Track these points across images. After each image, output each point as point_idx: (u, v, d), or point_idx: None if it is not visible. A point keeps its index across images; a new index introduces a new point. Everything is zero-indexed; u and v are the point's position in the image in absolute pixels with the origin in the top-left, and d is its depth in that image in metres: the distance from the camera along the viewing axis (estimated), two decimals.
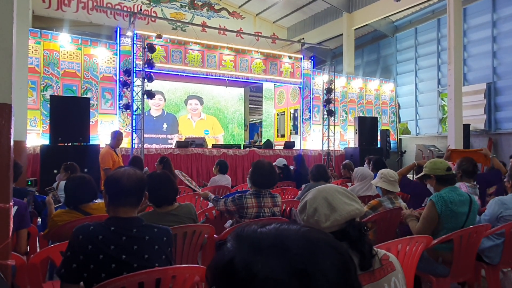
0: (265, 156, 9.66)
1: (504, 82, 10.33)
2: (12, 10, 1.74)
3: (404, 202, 3.39)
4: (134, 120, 8.70)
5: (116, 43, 9.13)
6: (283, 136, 12.97)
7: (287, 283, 0.52)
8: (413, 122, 13.25)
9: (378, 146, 11.25)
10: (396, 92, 13.81)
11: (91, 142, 7.13)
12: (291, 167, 7.28)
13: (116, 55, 9.12)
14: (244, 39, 13.28)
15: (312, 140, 11.71)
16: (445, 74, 11.16)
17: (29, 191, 3.73)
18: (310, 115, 11.83)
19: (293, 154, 10.06)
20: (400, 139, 13.68)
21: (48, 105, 7.14)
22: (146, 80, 8.57)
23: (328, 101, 11.01)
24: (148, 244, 1.77)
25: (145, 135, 8.94)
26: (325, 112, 11.15)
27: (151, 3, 12.67)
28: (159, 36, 9.25)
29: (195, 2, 13.44)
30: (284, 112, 13.00)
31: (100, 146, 7.01)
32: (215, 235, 2.89)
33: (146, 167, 7.34)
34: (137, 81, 8.85)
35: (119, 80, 9.03)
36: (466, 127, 9.94)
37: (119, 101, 9.08)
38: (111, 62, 9.14)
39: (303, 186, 4.73)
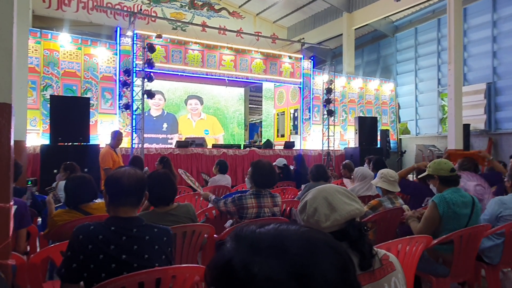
0: (265, 156, 9.66)
1: (504, 82, 10.32)
2: (13, 10, 1.74)
3: (405, 204, 3.38)
4: (134, 120, 8.70)
5: (116, 43, 9.13)
6: (283, 136, 12.97)
7: (286, 284, 0.52)
8: (413, 122, 13.24)
9: (378, 146, 11.25)
10: (396, 92, 13.81)
11: (91, 142, 7.13)
12: (291, 167, 7.28)
13: (116, 55, 9.12)
14: (244, 39, 13.28)
15: (312, 140, 11.70)
16: (445, 74, 11.17)
17: (28, 187, 3.74)
18: (310, 115, 11.83)
19: (293, 154, 10.06)
20: (400, 139, 13.68)
21: (48, 105, 7.14)
22: (146, 80, 8.57)
23: (328, 101, 11.01)
24: (148, 244, 1.78)
25: (145, 135, 8.94)
26: (325, 112, 11.15)
27: (151, 3, 12.67)
28: (159, 36, 9.25)
29: (195, 2, 13.44)
30: (284, 112, 12.99)
31: (100, 146, 7.01)
32: (215, 235, 2.89)
33: (146, 167, 7.35)
34: (137, 81, 8.84)
35: (119, 80, 9.03)
36: (466, 127, 9.93)
37: (119, 101, 9.07)
38: (111, 62, 9.14)
39: (303, 186, 4.73)
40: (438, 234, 2.69)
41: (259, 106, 15.32)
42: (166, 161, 5.67)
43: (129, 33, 9.04)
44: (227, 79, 11.01)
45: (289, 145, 10.59)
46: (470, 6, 10.91)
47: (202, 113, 13.48)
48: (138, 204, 1.86)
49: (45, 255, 2.25)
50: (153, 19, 12.22)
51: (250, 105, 15.25)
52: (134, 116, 8.71)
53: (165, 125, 12.59)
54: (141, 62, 8.74)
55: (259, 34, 13.66)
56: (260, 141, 13.24)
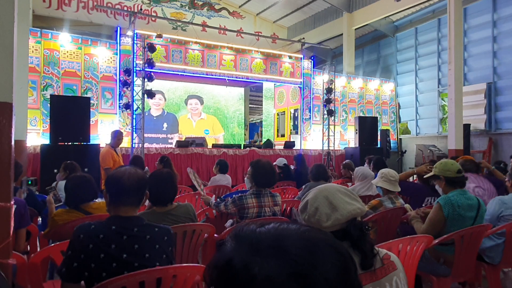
0: (265, 155, 9.66)
1: (504, 82, 10.32)
2: (14, 10, 1.74)
3: (406, 204, 3.38)
4: (134, 120, 8.70)
5: (116, 43, 9.12)
6: (283, 136, 12.97)
7: (286, 284, 0.52)
8: (413, 122, 13.24)
9: (378, 146, 11.25)
10: (396, 92, 13.81)
11: (91, 142, 7.12)
12: (292, 167, 7.28)
13: (116, 54, 9.11)
14: (244, 39, 13.27)
15: (312, 140, 11.70)
16: (446, 74, 11.16)
17: (22, 180, 3.76)
18: (310, 115, 11.83)
19: (293, 154, 10.05)
20: (400, 139, 13.67)
21: (48, 105, 7.13)
22: (146, 80, 8.56)
23: (328, 101, 11.01)
24: (149, 244, 1.77)
25: (145, 135, 8.94)
26: (325, 112, 11.14)
27: (151, 3, 12.67)
28: (159, 36, 9.24)
29: (195, 1, 13.44)
30: (284, 112, 12.99)
31: (100, 146, 7.00)
32: (215, 235, 2.90)
33: (147, 167, 7.34)
34: (137, 81, 8.84)
35: (119, 80, 9.02)
36: (466, 127, 9.93)
37: (119, 100, 9.07)
38: (111, 62, 9.13)
39: (304, 185, 4.73)
40: (441, 236, 2.67)
41: (259, 106, 15.31)
42: (167, 160, 5.67)
43: (129, 33, 9.04)
44: (227, 79, 11.01)
45: (289, 145, 10.59)
46: (470, 6, 10.91)
47: (202, 113, 13.47)
48: (138, 203, 1.86)
49: (46, 254, 2.25)
50: (153, 19, 12.22)
51: (250, 105, 15.25)
52: (134, 116, 8.71)
53: (165, 125, 12.59)
54: (141, 62, 8.74)
55: (259, 34, 13.66)
56: (260, 141, 13.24)
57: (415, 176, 5.66)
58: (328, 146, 11.10)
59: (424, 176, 3.49)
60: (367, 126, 10.73)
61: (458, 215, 2.65)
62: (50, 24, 10.70)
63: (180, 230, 2.53)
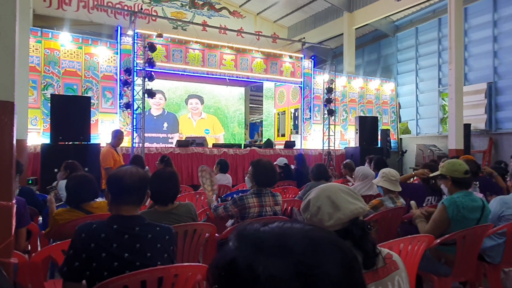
0: (265, 155, 9.66)
1: (505, 82, 10.32)
2: (15, 9, 1.74)
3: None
4: (134, 119, 8.70)
5: (117, 42, 9.12)
6: (283, 135, 12.96)
7: (290, 283, 0.52)
8: (414, 122, 13.24)
9: (379, 145, 11.24)
10: (396, 91, 13.81)
11: (92, 141, 7.12)
12: (292, 167, 7.28)
13: (117, 54, 9.11)
14: (245, 39, 13.27)
15: (313, 139, 11.70)
16: (446, 74, 11.16)
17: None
18: (310, 115, 11.83)
19: (293, 153, 10.06)
20: (401, 138, 13.67)
21: (49, 104, 7.13)
22: (146, 79, 8.56)
23: (328, 101, 11.01)
24: (150, 243, 1.77)
25: (146, 134, 8.93)
26: (326, 112, 11.14)
27: (152, 2, 12.67)
28: (159, 35, 9.24)
29: (196, 1, 13.44)
30: (284, 111, 12.99)
31: (101, 145, 7.00)
32: (216, 234, 2.90)
33: (147, 166, 7.34)
34: (138, 80, 8.84)
35: (120, 79, 9.02)
36: (467, 126, 9.93)
37: (119, 100, 9.07)
38: (111, 61, 9.13)
39: (305, 185, 4.73)
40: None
41: (259, 106, 15.31)
42: (167, 160, 5.67)
43: (130, 32, 9.03)
44: (228, 79, 11.01)
45: (289, 145, 10.59)
46: (471, 6, 10.90)
47: (203, 112, 13.47)
48: (140, 202, 1.86)
49: (47, 254, 2.25)
50: (153, 18, 12.21)
51: (250, 105, 15.24)
52: (134, 116, 8.71)
53: (165, 125, 12.59)
54: (141, 62, 8.74)
55: (260, 33, 13.65)
56: (261, 141, 13.23)
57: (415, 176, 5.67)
58: (329, 146, 11.10)
59: (431, 175, 3.48)
60: (367, 126, 10.73)
61: (462, 217, 2.63)
62: (51, 23, 10.70)
63: (181, 229, 2.53)
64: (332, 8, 13.34)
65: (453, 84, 9.27)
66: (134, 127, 8.65)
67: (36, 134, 8.17)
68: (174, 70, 9.89)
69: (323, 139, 11.27)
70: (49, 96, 7.60)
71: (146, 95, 8.57)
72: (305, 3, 13.73)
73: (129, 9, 11.74)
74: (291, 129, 12.63)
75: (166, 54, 9.70)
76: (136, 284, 1.66)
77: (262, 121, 14.72)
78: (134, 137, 8.59)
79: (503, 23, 10.31)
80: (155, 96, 8.86)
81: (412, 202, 3.11)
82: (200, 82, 12.86)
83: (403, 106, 13.76)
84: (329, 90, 11.05)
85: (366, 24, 13.04)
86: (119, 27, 9.24)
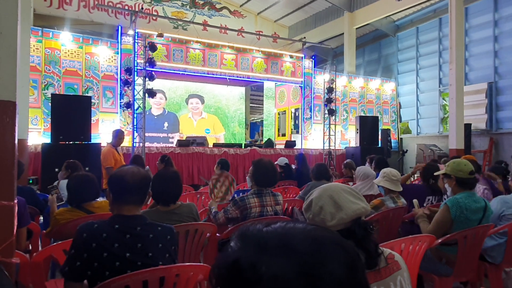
0: (266, 155, 9.66)
1: (505, 81, 10.31)
2: (17, 9, 1.74)
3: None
4: (135, 119, 8.70)
5: (118, 42, 9.12)
6: (284, 135, 12.96)
7: (294, 283, 0.52)
8: (414, 122, 13.24)
9: (379, 145, 11.24)
10: (397, 91, 13.80)
11: (92, 141, 7.13)
12: (293, 166, 7.28)
13: (118, 53, 9.11)
14: (245, 38, 13.26)
15: (313, 139, 11.70)
16: (447, 74, 11.14)
17: None
18: (311, 114, 11.82)
19: (294, 153, 10.05)
20: (401, 138, 13.67)
21: (49, 104, 7.13)
22: (147, 79, 8.57)
23: (329, 100, 11.01)
24: (152, 242, 1.77)
25: (146, 134, 8.93)
26: (326, 111, 11.14)
27: (152, 2, 12.67)
28: (160, 35, 9.23)
29: (196, 1, 13.43)
30: (285, 111, 12.99)
31: (102, 145, 7.00)
32: (217, 234, 2.90)
33: (147, 166, 7.34)
34: (138, 80, 8.84)
35: (120, 79, 9.02)
36: (467, 126, 9.93)
37: (120, 99, 9.07)
38: (112, 61, 9.13)
39: (305, 185, 4.73)
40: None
41: (260, 105, 15.31)
42: (167, 160, 5.66)
43: (130, 32, 9.03)
44: (228, 78, 11.01)
45: (290, 144, 10.59)
46: (472, 5, 10.90)
47: (203, 112, 13.47)
48: (141, 202, 1.86)
49: (48, 253, 2.25)
50: (154, 18, 12.20)
51: (251, 104, 15.24)
52: (135, 115, 8.71)
53: (166, 124, 12.59)
54: (142, 61, 8.73)
55: (260, 33, 13.64)
56: (261, 140, 13.23)
57: (415, 176, 5.67)
58: (329, 146, 11.10)
59: (435, 173, 3.48)
60: (368, 125, 10.73)
61: (464, 218, 2.63)
62: (51, 23, 10.70)
63: (183, 229, 2.53)
64: (333, 7, 13.33)
65: (453, 84, 9.27)
66: (135, 126, 8.65)
67: (36, 134, 8.17)
68: (174, 70, 9.89)
69: (323, 139, 11.27)
70: (49, 95, 7.61)
71: (146, 94, 8.57)
72: (305, 2, 13.73)
73: (130, 8, 11.73)
74: (292, 129, 12.63)
75: (166, 53, 9.70)
76: (138, 283, 1.66)
77: (262, 120, 14.73)
78: (134, 137, 8.59)
79: (504, 22, 10.30)
80: (155, 95, 8.86)
81: (415, 201, 3.09)
82: (201, 82, 12.86)
83: (403, 105, 13.76)
84: (330, 90, 11.04)
85: (367, 24, 13.04)
86: (119, 27, 9.24)
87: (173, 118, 12.80)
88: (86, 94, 8.56)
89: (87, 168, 5.36)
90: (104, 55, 9.01)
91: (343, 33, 13.10)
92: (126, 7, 11.89)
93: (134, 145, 8.53)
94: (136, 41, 8.90)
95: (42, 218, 3.78)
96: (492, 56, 10.52)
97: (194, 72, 10.22)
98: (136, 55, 8.92)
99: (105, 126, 8.89)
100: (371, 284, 1.21)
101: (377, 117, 11.77)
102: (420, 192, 3.77)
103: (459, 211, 2.62)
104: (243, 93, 14.43)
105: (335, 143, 11.20)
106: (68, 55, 8.66)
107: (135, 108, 8.72)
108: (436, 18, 12.23)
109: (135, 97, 8.75)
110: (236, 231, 0.62)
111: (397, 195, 3.41)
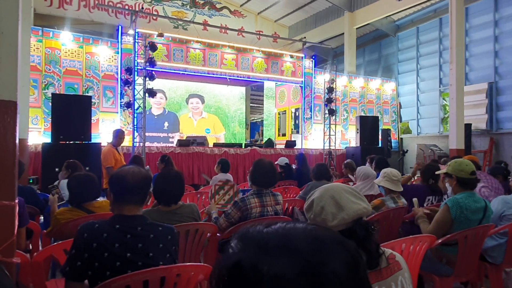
0: (266, 155, 9.66)
1: (506, 81, 10.31)
2: (18, 8, 1.74)
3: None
4: (135, 119, 8.69)
5: (118, 42, 9.12)
6: (284, 135, 12.96)
7: (296, 282, 0.51)
8: (415, 122, 13.24)
9: (379, 145, 11.24)
10: (397, 91, 13.80)
11: (93, 141, 7.13)
12: (293, 166, 7.28)
13: (118, 53, 9.12)
14: (246, 38, 13.25)
15: (313, 139, 11.70)
16: (447, 74, 11.14)
17: None
18: (311, 114, 11.82)
19: (294, 153, 10.05)
20: (401, 138, 13.67)
21: (50, 103, 7.14)
22: (147, 79, 8.56)
23: (329, 100, 11.00)
24: (152, 242, 1.77)
25: (147, 134, 8.93)
26: (327, 111, 11.14)
27: (153, 2, 12.66)
28: (160, 35, 9.23)
29: (197, 0, 13.43)
30: (285, 111, 12.99)
31: (102, 145, 7.00)
32: (217, 234, 2.90)
33: (148, 166, 7.34)
34: (139, 80, 8.84)
35: (121, 79, 9.02)
36: (468, 126, 9.93)
37: (120, 99, 9.07)
38: (112, 61, 9.13)
39: (306, 185, 4.73)
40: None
41: (260, 105, 15.31)
42: (168, 159, 5.66)
43: (131, 31, 9.03)
44: (229, 78, 11.01)
45: (290, 144, 10.59)
46: (472, 5, 10.90)
47: (204, 112, 13.47)
48: (142, 202, 1.86)
49: (48, 253, 2.25)
50: (154, 17, 12.20)
51: (251, 104, 15.24)
52: (135, 115, 8.71)
53: (166, 124, 12.59)
54: (142, 61, 8.73)
55: (261, 33, 13.63)
56: (261, 140, 13.23)
57: (415, 176, 5.67)
58: (329, 146, 11.10)
59: (436, 172, 3.48)
60: (368, 125, 10.73)
61: (465, 218, 2.62)
62: (52, 22, 10.70)
63: (183, 229, 2.53)
64: (333, 7, 13.33)
65: (454, 84, 9.27)
66: (135, 126, 8.65)
67: (37, 134, 8.17)
68: (175, 70, 9.89)
69: (323, 139, 11.27)
70: (50, 95, 7.61)
71: (147, 94, 8.57)
72: (306, 2, 13.72)
73: (130, 8, 11.72)
74: (292, 129, 12.63)
75: (167, 53, 9.70)
76: (138, 283, 1.66)
77: (262, 120, 14.73)
78: (135, 137, 8.59)
79: (504, 22, 10.30)
80: (155, 95, 8.85)
81: (415, 200, 3.09)
82: (201, 82, 12.86)
83: (404, 105, 13.76)
84: (330, 90, 11.04)
85: (367, 24, 13.03)
86: (120, 27, 9.24)
87: (173, 118, 12.80)
88: (87, 94, 8.56)
89: (87, 168, 5.36)
90: (104, 55, 9.01)
91: (343, 33, 13.09)
92: (126, 7, 11.89)
93: (135, 144, 8.54)
94: (136, 40, 8.90)
95: (42, 217, 3.78)
96: (493, 56, 10.52)
97: (194, 72, 10.22)
98: (136, 55, 8.92)
99: (105, 126, 8.89)
100: (373, 284, 1.20)
101: (377, 117, 11.77)
102: (420, 192, 3.77)
103: (459, 211, 2.62)
104: (243, 93, 14.43)
105: (335, 143, 11.20)
106: (69, 55, 8.66)
107: (135, 108, 8.72)
108: (436, 18, 12.23)
109: (135, 96, 8.75)
110: (235, 233, 0.62)
111: (398, 195, 3.41)
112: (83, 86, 8.80)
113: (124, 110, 9.04)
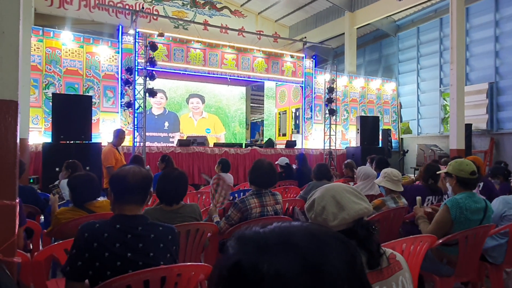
0: (266, 155, 9.66)
1: (506, 82, 10.30)
2: (19, 8, 1.74)
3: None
4: (135, 119, 8.70)
5: (118, 41, 9.12)
6: (284, 135, 12.95)
7: (297, 279, 0.52)
8: (415, 122, 13.23)
9: (380, 145, 11.24)
10: (398, 91, 13.80)
11: (93, 140, 7.13)
12: (294, 166, 7.28)
13: (118, 53, 9.12)
14: (246, 38, 13.25)
15: (314, 139, 11.70)
16: (447, 74, 11.14)
17: None
18: (311, 114, 11.82)
19: (294, 153, 10.05)
20: (402, 138, 13.66)
21: (50, 103, 7.14)
22: (148, 79, 8.56)
23: (329, 100, 11.00)
24: (153, 242, 1.77)
25: (147, 134, 8.93)
26: (327, 111, 11.14)
27: (153, 2, 12.66)
28: (161, 35, 9.23)
29: (197, 0, 13.42)
30: (285, 111, 12.98)
31: (102, 144, 7.01)
32: (218, 233, 2.89)
33: (148, 166, 7.34)
34: (139, 79, 8.84)
35: (121, 78, 9.03)
36: (468, 126, 9.92)
37: (121, 99, 9.08)
38: (113, 60, 9.13)
39: (306, 184, 4.73)
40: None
41: (260, 105, 15.31)
42: (168, 159, 5.66)
43: (131, 31, 9.04)
44: (229, 78, 11.00)
45: (290, 144, 10.59)
46: (473, 5, 10.88)
47: (204, 112, 13.47)
48: (143, 202, 1.86)
49: (49, 253, 2.25)
50: (155, 17, 12.20)
51: (251, 104, 15.24)
52: (136, 115, 8.71)
53: (166, 124, 12.59)
54: (143, 61, 8.73)
55: (261, 33, 13.63)
56: (262, 140, 13.23)
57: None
58: (330, 146, 11.10)
59: (437, 172, 3.48)
60: (368, 125, 10.73)
61: (465, 218, 2.62)
62: (52, 22, 10.70)
63: (184, 229, 2.53)
64: (334, 7, 13.32)
65: (454, 84, 9.26)
66: (135, 126, 8.65)
67: (37, 133, 8.17)
68: (175, 69, 9.89)
69: (324, 139, 11.27)
70: (50, 95, 7.62)
71: (147, 94, 8.57)
72: (306, 2, 13.71)
73: (131, 8, 11.72)
74: (292, 129, 12.62)
75: (167, 53, 9.70)
76: (139, 283, 1.66)
77: (263, 120, 14.73)
78: (135, 136, 8.59)
79: (505, 23, 10.29)
80: (156, 95, 8.85)
81: (418, 198, 3.07)
82: (201, 82, 12.86)
83: (404, 106, 13.75)
84: (330, 90, 11.04)
85: (368, 24, 13.02)
86: (120, 26, 9.24)
87: (173, 117, 12.80)
88: (87, 94, 8.56)
89: (87, 168, 5.37)
90: (104, 55, 9.02)
91: (343, 33, 13.09)
92: (127, 7, 11.89)
93: (135, 144, 8.54)
94: (136, 40, 8.90)
95: (43, 217, 3.79)
96: (493, 56, 10.51)
97: (194, 72, 10.22)
98: (136, 55, 8.92)
99: (105, 126, 8.89)
100: (373, 284, 1.21)
101: (378, 117, 11.77)
102: (420, 192, 3.77)
103: (459, 212, 2.62)
104: (243, 93, 14.43)
105: (335, 143, 11.19)
106: (69, 55, 8.66)
107: (136, 108, 8.72)
108: (437, 18, 12.22)
109: (136, 96, 8.75)
110: (232, 235, 0.62)
111: (398, 195, 3.41)
112: (84, 86, 8.80)
113: (124, 110, 9.04)
